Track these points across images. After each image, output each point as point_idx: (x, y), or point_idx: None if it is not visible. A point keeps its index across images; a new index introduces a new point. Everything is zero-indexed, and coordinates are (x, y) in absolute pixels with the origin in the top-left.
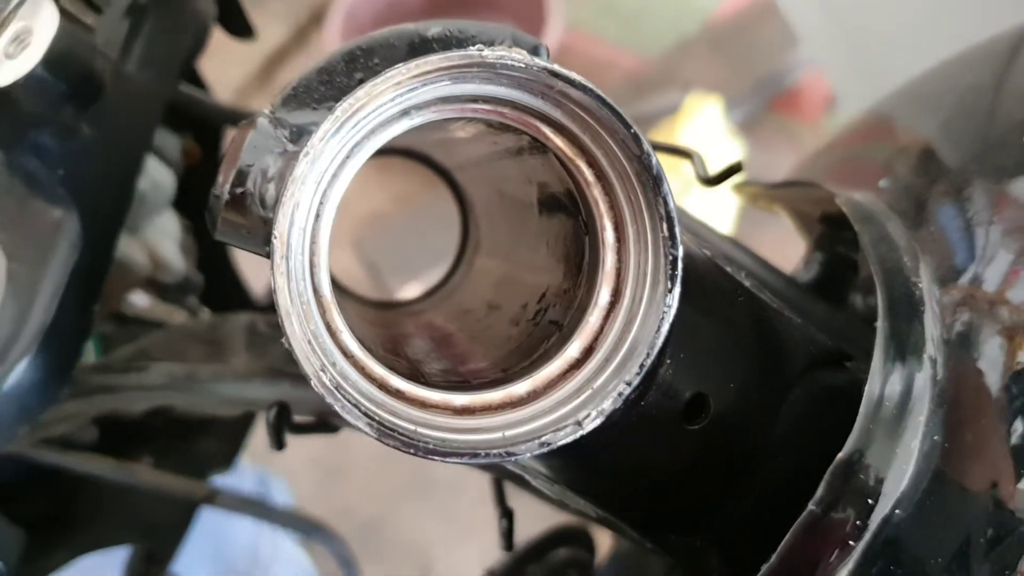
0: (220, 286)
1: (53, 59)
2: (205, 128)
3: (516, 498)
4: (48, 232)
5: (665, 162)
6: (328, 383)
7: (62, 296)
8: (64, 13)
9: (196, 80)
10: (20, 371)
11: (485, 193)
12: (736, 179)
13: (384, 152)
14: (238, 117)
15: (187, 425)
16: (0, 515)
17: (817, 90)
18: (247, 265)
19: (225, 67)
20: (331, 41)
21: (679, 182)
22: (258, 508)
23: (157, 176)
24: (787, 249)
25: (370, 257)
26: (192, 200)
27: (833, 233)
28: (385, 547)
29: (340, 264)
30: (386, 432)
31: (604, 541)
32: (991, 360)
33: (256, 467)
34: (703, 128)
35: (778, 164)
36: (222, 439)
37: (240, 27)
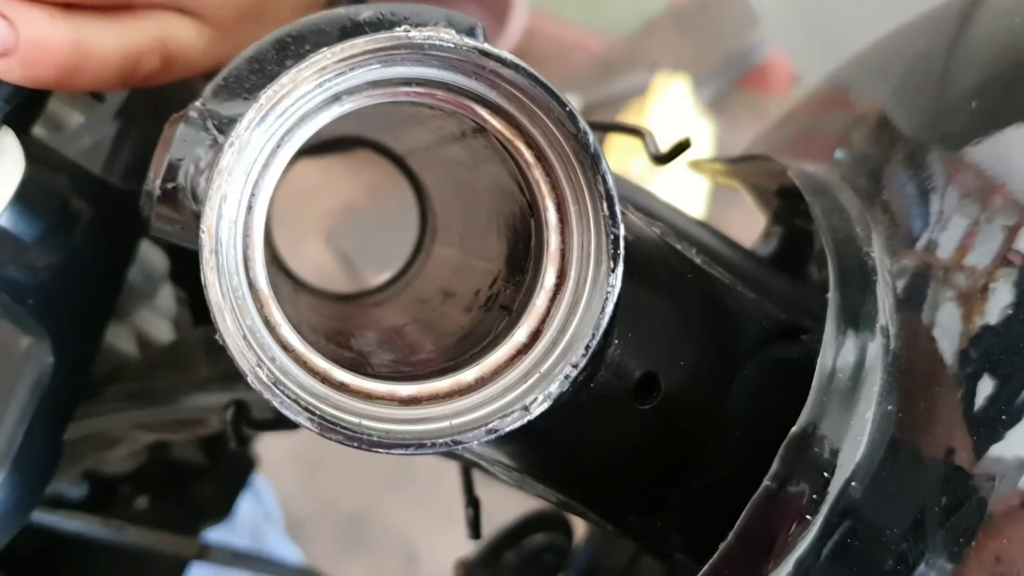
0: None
1: (18, 211)
2: None
3: (491, 486)
4: (16, 361)
5: (627, 141)
6: (265, 378)
7: (30, 424)
8: (35, 154)
9: None
10: None
11: (438, 179)
12: (693, 156)
13: (335, 144)
14: None
15: (183, 471)
16: None
17: (784, 65)
18: None
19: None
20: None
21: (645, 161)
22: (251, 561)
23: (148, 262)
24: (757, 226)
25: (343, 249)
26: (186, 265)
27: (790, 206)
28: (370, 538)
29: (313, 258)
30: (328, 426)
31: (581, 525)
32: (946, 326)
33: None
34: (672, 108)
35: (748, 139)
36: (218, 487)
37: None
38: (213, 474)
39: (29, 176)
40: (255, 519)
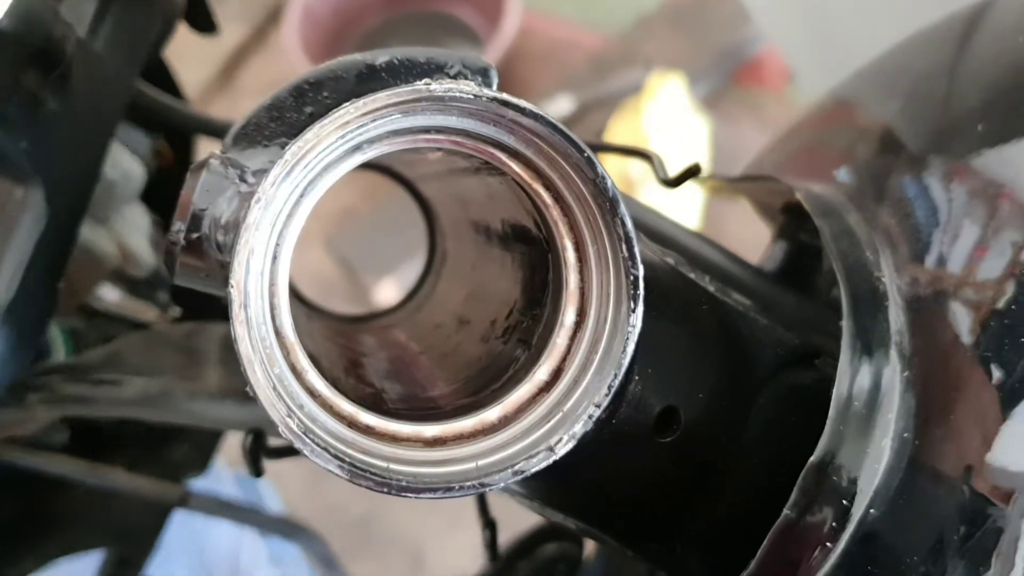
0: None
1: (16, 18)
2: (176, 134)
3: (503, 496)
4: (11, 206)
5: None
6: (296, 428)
7: (25, 271)
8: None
9: (172, 88)
10: None
11: (449, 204)
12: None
13: None
14: (207, 125)
15: (159, 432)
16: None
17: (778, 60)
18: None
19: (185, 68)
20: (290, 38)
21: (644, 169)
22: (234, 511)
23: (126, 166)
24: (753, 230)
25: (343, 254)
26: (163, 198)
27: (795, 222)
28: (377, 542)
29: (313, 264)
30: (358, 473)
31: None
32: (959, 347)
33: (244, 472)
34: (668, 105)
35: (744, 135)
36: (195, 445)
37: (205, 23)
38: (189, 433)
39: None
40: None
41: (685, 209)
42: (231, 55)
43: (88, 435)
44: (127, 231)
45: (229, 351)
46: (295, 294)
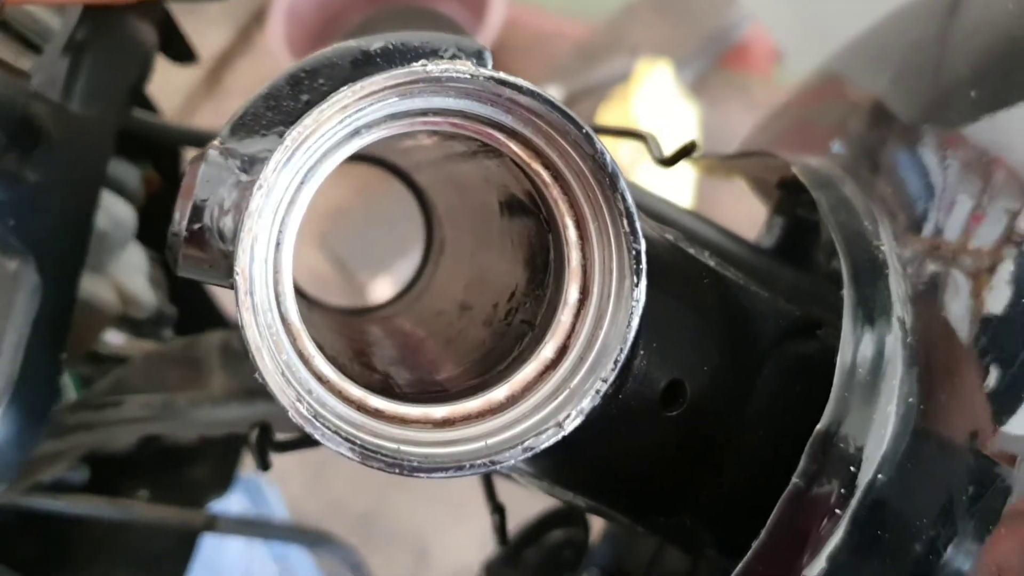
0: (193, 312)
1: None
2: (161, 153)
3: (508, 482)
4: (5, 284)
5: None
6: (306, 412)
7: (27, 346)
8: None
9: (144, 103)
10: None
11: (445, 193)
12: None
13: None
14: (192, 137)
15: (178, 454)
16: None
17: (764, 42)
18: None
19: (171, 74)
20: (275, 38)
21: (635, 152)
22: (262, 528)
23: (117, 212)
24: (746, 210)
25: (337, 252)
26: (156, 230)
27: (791, 197)
28: (380, 537)
29: (307, 263)
30: (369, 455)
31: (598, 520)
32: (960, 309)
33: (245, 476)
34: (656, 92)
35: (732, 119)
36: (214, 465)
37: (182, 53)
38: (207, 452)
39: None
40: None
41: (677, 192)
42: (217, 58)
43: (108, 465)
44: (125, 275)
45: (228, 355)
46: (295, 288)
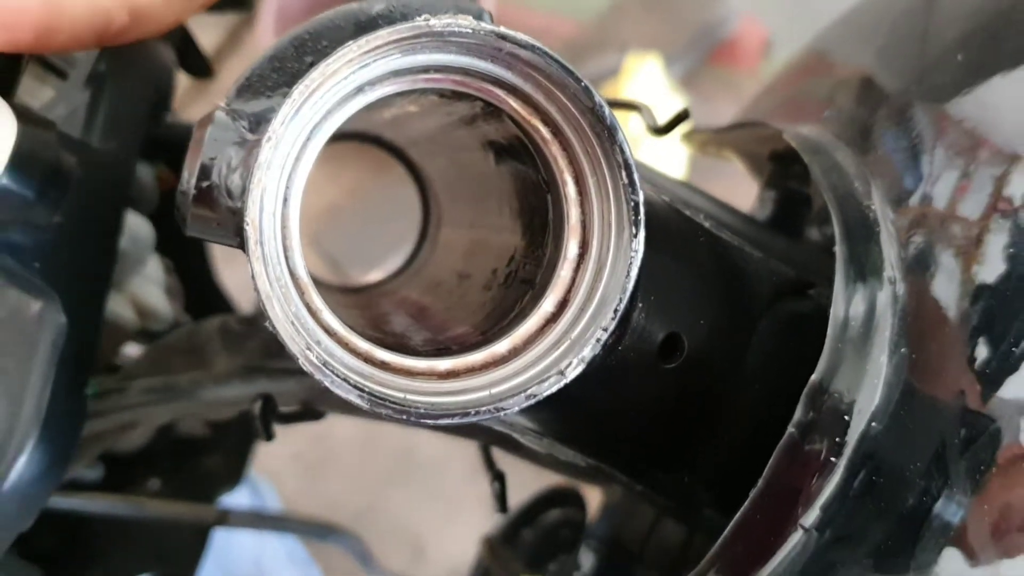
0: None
1: (15, 169)
2: (175, 150)
3: (505, 464)
4: (31, 325)
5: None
6: (316, 360)
7: (53, 388)
8: (22, 116)
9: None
10: (20, 468)
11: (441, 165)
12: (684, 128)
13: (336, 138)
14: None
15: (191, 445)
16: (14, 555)
17: (752, 37)
18: (235, 290)
19: None
20: (265, 39)
21: (629, 135)
22: (271, 520)
23: (134, 228)
24: (738, 197)
25: (328, 250)
26: (170, 234)
27: (783, 170)
28: (376, 535)
29: None
30: (377, 402)
31: (594, 499)
32: (947, 276)
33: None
34: (645, 87)
35: (721, 114)
36: (227, 456)
37: (200, 68)
38: (219, 444)
39: (22, 134)
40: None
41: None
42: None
43: (121, 464)
44: (143, 289)
45: (227, 336)
46: None
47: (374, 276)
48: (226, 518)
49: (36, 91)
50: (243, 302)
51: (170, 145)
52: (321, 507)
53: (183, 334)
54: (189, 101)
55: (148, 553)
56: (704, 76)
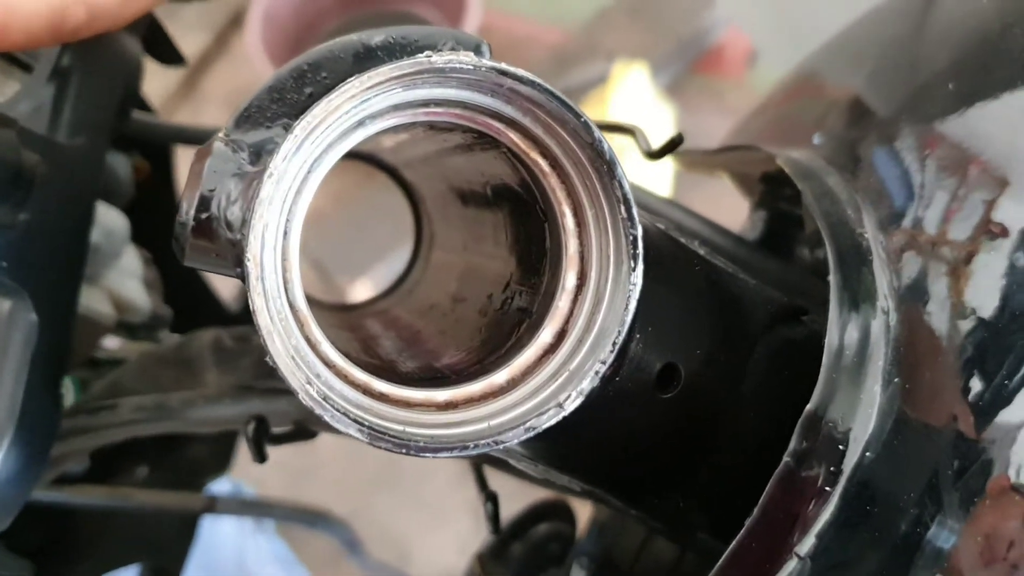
0: (193, 305)
1: None
2: (151, 143)
3: (493, 478)
4: (1, 325)
5: (605, 135)
6: (316, 395)
7: (27, 388)
8: None
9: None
10: None
11: (436, 188)
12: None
13: None
14: (182, 134)
15: (177, 435)
16: (3, 550)
17: (738, 46)
18: (215, 279)
19: (148, 78)
20: (253, 42)
21: (616, 150)
22: (259, 507)
23: (108, 222)
24: (723, 209)
25: (316, 259)
26: (147, 225)
27: (774, 191)
28: (363, 541)
29: None
30: (377, 435)
31: (584, 512)
32: (939, 300)
33: (225, 478)
34: (632, 96)
35: (707, 123)
36: (213, 444)
37: (170, 55)
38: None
39: None
40: (244, 529)
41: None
42: (194, 63)
43: (106, 460)
44: (120, 282)
45: (219, 352)
46: None
47: (362, 284)
48: (214, 505)
49: (1, 85)
50: (224, 291)
51: (144, 139)
52: None
53: (173, 346)
54: (173, 107)
55: (138, 543)
56: (689, 85)
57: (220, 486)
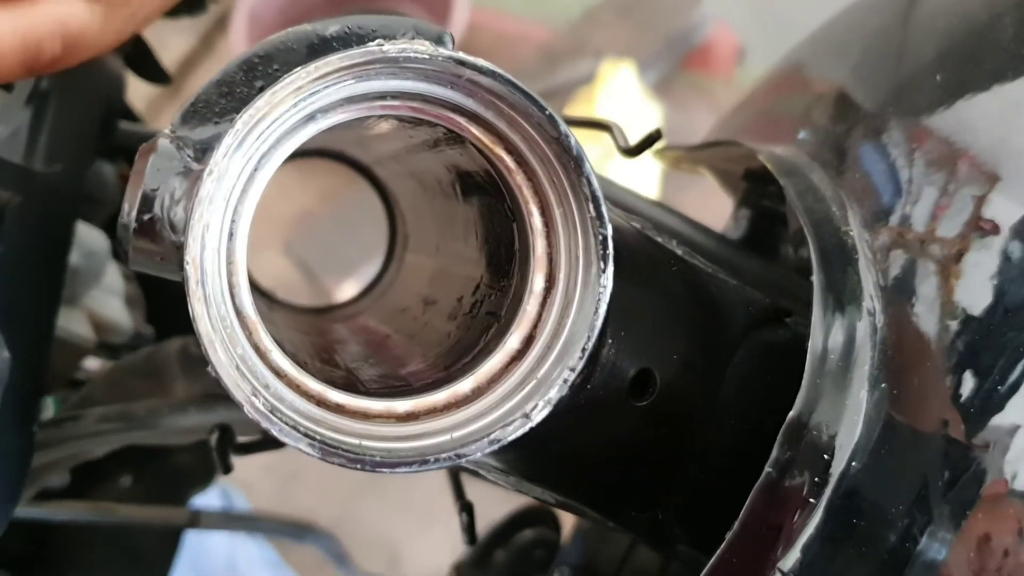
0: (175, 319)
1: None
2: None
3: (476, 484)
4: None
5: (585, 132)
6: (262, 407)
7: None
8: None
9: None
10: None
11: (407, 187)
12: (658, 144)
13: (296, 155)
14: None
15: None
16: None
17: (726, 43)
18: None
19: (133, 80)
20: (238, 44)
21: (601, 150)
22: (243, 521)
23: (89, 243)
24: (712, 209)
25: (302, 258)
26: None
27: (758, 188)
28: (352, 545)
29: (272, 268)
30: (329, 450)
31: (569, 518)
32: (928, 300)
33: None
34: (620, 94)
35: (696, 121)
36: (198, 453)
37: (154, 72)
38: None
39: None
40: (235, 535)
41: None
42: (179, 65)
43: (88, 471)
44: (100, 301)
45: (186, 360)
46: (255, 287)
47: (347, 287)
48: (198, 519)
49: None
50: None
51: (130, 147)
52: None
53: (142, 356)
54: (159, 109)
55: (120, 557)
56: (678, 82)
57: (208, 491)
